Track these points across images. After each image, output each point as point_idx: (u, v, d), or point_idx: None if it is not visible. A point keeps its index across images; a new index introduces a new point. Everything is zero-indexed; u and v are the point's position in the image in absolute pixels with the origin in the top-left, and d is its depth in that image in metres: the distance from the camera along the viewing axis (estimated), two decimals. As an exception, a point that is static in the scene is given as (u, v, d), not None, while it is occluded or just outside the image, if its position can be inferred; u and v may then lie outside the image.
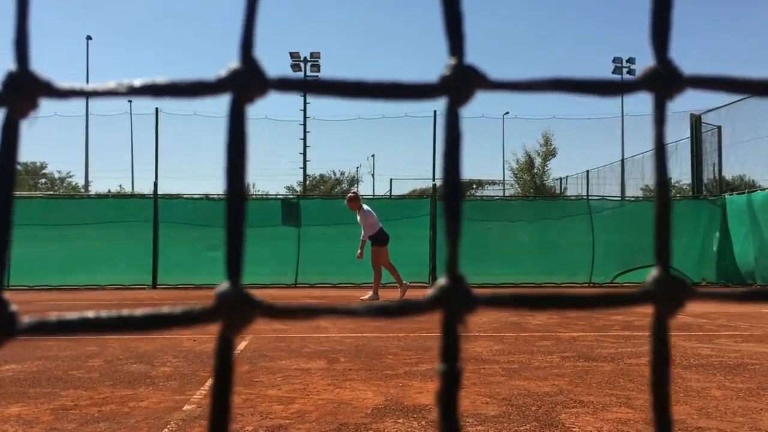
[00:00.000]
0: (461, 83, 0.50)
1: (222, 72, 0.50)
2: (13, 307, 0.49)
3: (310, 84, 0.53)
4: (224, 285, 0.49)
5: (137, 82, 0.52)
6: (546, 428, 3.63)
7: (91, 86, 0.52)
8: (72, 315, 0.53)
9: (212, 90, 0.51)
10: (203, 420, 3.76)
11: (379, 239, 12.52)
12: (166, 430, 3.59)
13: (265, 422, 3.75)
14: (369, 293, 12.28)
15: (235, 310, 0.48)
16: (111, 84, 0.52)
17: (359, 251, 12.52)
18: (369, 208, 12.79)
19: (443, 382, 0.49)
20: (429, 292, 0.50)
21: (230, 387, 0.52)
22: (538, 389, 4.53)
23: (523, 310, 0.51)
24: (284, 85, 0.51)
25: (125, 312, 0.51)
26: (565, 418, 3.82)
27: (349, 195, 12.90)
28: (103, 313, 0.51)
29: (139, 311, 0.52)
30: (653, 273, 0.55)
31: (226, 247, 0.52)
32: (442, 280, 0.51)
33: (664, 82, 0.53)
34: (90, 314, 0.52)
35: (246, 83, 0.50)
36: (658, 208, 0.56)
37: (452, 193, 0.52)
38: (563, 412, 3.96)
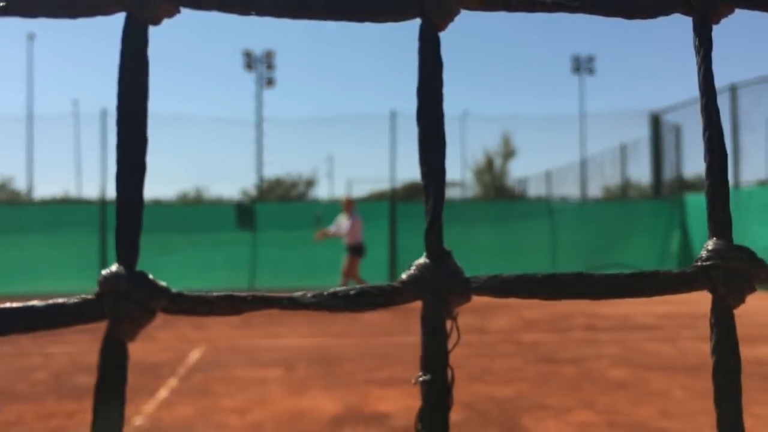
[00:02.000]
0: None
1: None
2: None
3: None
4: (113, 267, 0.35)
5: None
6: (509, 434, 3.54)
7: None
8: None
9: (100, 5, 0.37)
10: (152, 434, 3.59)
11: (359, 249, 12.57)
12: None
13: (219, 435, 3.59)
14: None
15: (128, 301, 0.34)
16: None
17: (320, 234, 12.51)
18: (359, 217, 12.93)
19: (426, 397, 0.34)
20: (404, 273, 0.35)
21: (121, 406, 0.37)
22: (500, 394, 4.44)
23: (531, 296, 0.38)
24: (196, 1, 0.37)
25: None
26: (528, 422, 3.74)
27: (348, 198, 13.11)
28: None
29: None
30: (709, 244, 0.38)
31: (117, 217, 0.37)
32: (422, 259, 0.36)
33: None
34: None
35: None
36: (709, 152, 0.42)
37: (432, 133, 0.37)
38: (526, 416, 3.87)
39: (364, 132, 30.20)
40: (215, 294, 0.37)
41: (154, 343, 7.11)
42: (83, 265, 15.95)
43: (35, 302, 0.34)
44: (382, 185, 22.75)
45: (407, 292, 0.36)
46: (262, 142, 31.04)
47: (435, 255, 0.35)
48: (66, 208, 17.82)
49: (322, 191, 47.78)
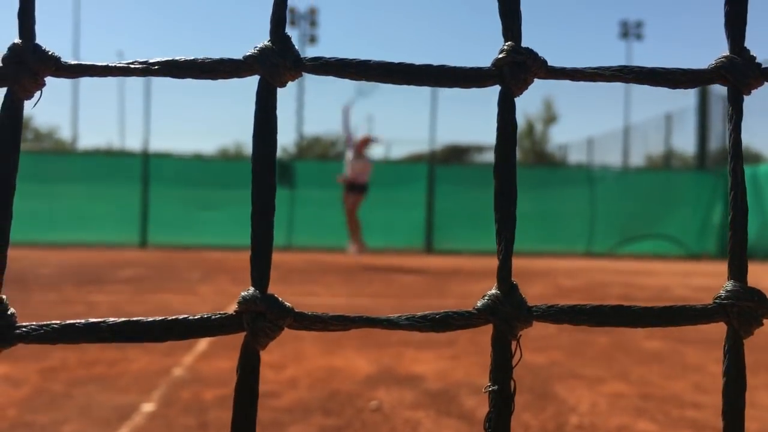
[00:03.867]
0: (517, 69, 0.44)
1: (250, 50, 0.44)
2: (11, 311, 0.45)
3: (348, 65, 0.46)
4: (250, 290, 0.45)
5: (154, 60, 0.46)
6: (540, 400, 3.56)
7: (103, 63, 0.47)
8: (78, 322, 0.48)
9: (237, 70, 0.45)
10: (192, 384, 3.69)
11: (363, 188, 12.41)
12: (155, 393, 3.52)
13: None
14: (353, 247, 12.18)
15: (263, 319, 0.44)
16: (125, 62, 0.47)
17: (341, 178, 12.48)
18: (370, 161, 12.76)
19: (493, 404, 0.43)
20: (479, 302, 0.43)
21: (254, 411, 0.46)
22: (534, 361, 4.45)
23: (581, 323, 0.45)
24: (320, 66, 0.45)
25: (137, 319, 0.45)
26: (561, 390, 3.75)
27: (366, 136, 12.77)
28: (110, 320, 0.46)
29: (151, 318, 0.46)
30: (727, 285, 0.47)
31: (252, 251, 0.48)
32: (493, 290, 0.45)
33: (740, 72, 0.47)
34: (97, 321, 0.46)
35: (276, 63, 0.43)
36: (734, 213, 0.49)
37: (506, 188, 0.46)
38: (558, 384, 3.89)
39: (404, 93, 29.99)
40: (329, 315, 0.46)
41: (195, 296, 7.27)
42: (125, 217, 16.26)
43: (189, 316, 0.45)
44: (421, 147, 22.67)
45: (481, 317, 0.45)
46: (302, 99, 30.99)
47: (504, 288, 0.45)
48: (109, 159, 18.08)
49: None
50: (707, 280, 10.90)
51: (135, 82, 19.79)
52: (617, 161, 22.88)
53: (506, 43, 0.44)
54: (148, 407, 3.26)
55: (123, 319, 0.43)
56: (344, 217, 12.45)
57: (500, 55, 0.44)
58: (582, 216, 16.75)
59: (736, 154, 0.48)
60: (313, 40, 33.21)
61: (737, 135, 0.48)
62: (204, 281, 8.81)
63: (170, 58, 0.45)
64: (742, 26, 0.48)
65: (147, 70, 0.45)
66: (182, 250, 15.02)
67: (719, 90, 17.98)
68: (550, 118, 38.24)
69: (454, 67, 0.46)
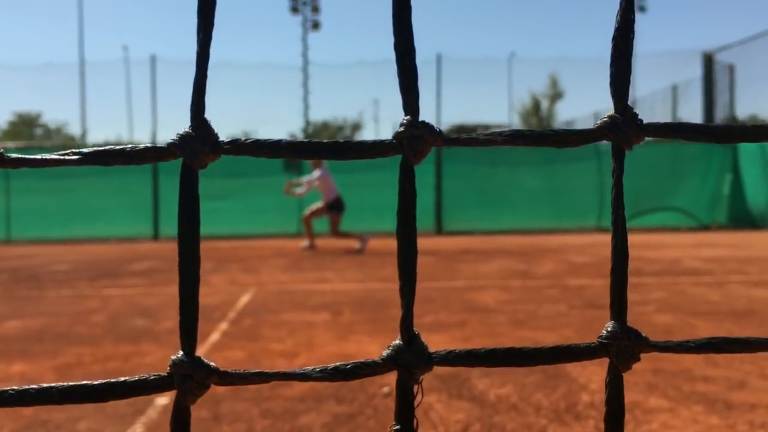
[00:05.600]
0: (415, 141, 0.49)
1: (172, 137, 0.49)
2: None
3: (262, 146, 0.52)
4: (179, 354, 0.49)
5: (87, 150, 0.53)
6: (552, 379, 3.58)
7: (41, 156, 0.54)
8: (32, 388, 0.53)
9: (162, 156, 0.50)
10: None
11: (336, 205, 12.15)
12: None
13: (269, 378, 3.71)
14: (356, 246, 12.14)
15: (191, 380, 0.47)
16: (60, 154, 0.54)
17: (288, 185, 12.49)
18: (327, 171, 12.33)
19: None
20: (384, 352, 0.49)
21: None
22: (545, 339, 4.47)
23: (479, 366, 0.51)
24: (236, 148, 0.51)
25: (82, 384, 0.50)
26: (572, 369, 3.76)
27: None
28: (58, 385, 0.51)
29: (96, 382, 0.52)
30: (608, 326, 0.53)
31: (180, 315, 0.52)
32: (396, 341, 0.49)
33: (622, 131, 0.53)
34: (47, 387, 0.51)
35: (195, 150, 0.49)
36: (615, 260, 0.54)
37: (406, 247, 0.52)
38: (570, 363, 3.90)
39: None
40: (250, 372, 0.50)
41: (207, 287, 7.31)
42: (138, 209, 16.32)
43: (127, 378, 0.50)
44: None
45: (386, 366, 0.50)
46: (308, 85, 30.93)
47: (406, 339, 0.50)
48: (118, 153, 18.09)
49: (368, 134, 47.63)
50: (718, 250, 10.87)
51: (142, 75, 19.79)
52: (625, 135, 22.76)
53: (405, 117, 0.49)
54: (162, 401, 3.30)
55: (70, 383, 0.49)
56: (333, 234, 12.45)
57: (400, 129, 0.49)
58: (591, 191, 16.70)
59: (618, 206, 0.55)
60: (316, 26, 33.05)
61: (619, 189, 0.54)
62: (216, 271, 8.86)
63: (101, 148, 0.52)
64: (626, 86, 0.54)
65: (81, 160, 0.52)
66: (194, 240, 15.03)
67: (725, 59, 17.83)
68: (556, 95, 38.04)
69: (361, 142, 0.51)
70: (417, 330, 0.51)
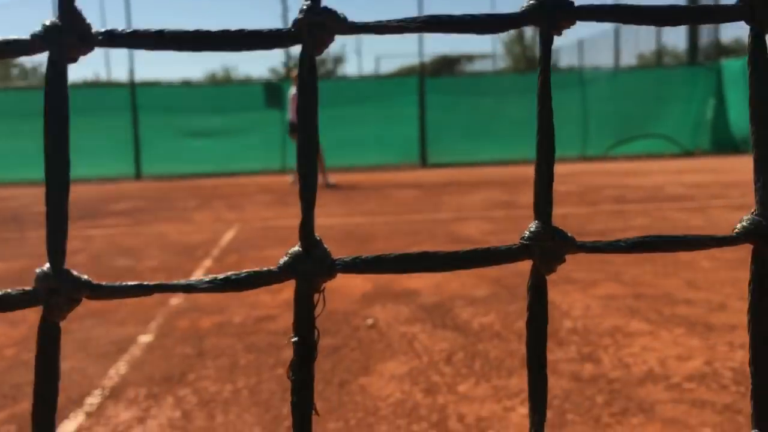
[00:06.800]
0: (316, 29, 0.44)
1: (37, 29, 0.44)
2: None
3: (141, 36, 0.46)
4: (45, 267, 0.44)
5: None
6: (536, 308, 3.60)
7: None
8: None
9: (25, 49, 0.44)
10: (190, 313, 3.72)
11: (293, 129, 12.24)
12: (152, 324, 3.55)
13: (253, 313, 3.71)
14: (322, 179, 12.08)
15: (57, 295, 0.43)
16: None
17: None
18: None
19: (296, 353, 0.45)
20: (281, 260, 0.45)
21: (55, 384, 0.45)
22: (527, 268, 4.49)
23: (390, 272, 0.47)
24: (111, 40, 0.45)
25: None
26: (555, 296, 3.79)
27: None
28: None
29: None
30: (531, 226, 0.49)
31: (47, 225, 0.47)
32: (296, 248, 0.45)
33: (550, 13, 0.47)
34: None
35: (64, 40, 0.43)
36: (539, 156, 0.49)
37: (305, 146, 0.45)
38: (552, 290, 3.91)
39: (391, 5, 29.30)
40: (127, 284, 0.46)
41: (191, 224, 7.27)
42: (118, 150, 16.11)
43: None
44: (411, 60, 22.29)
45: (283, 275, 0.46)
46: (287, 17, 30.20)
47: (306, 244, 0.45)
48: (96, 91, 17.76)
49: (350, 68, 46.99)
50: (701, 176, 10.91)
51: (116, 6, 19.28)
52: (609, 62, 22.54)
53: (305, 2, 0.45)
54: (145, 338, 3.29)
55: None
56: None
57: (299, 16, 0.44)
58: (575, 120, 16.61)
59: (544, 95, 0.49)
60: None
61: (546, 76, 0.49)
62: (200, 209, 8.80)
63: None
64: None
65: None
66: (177, 179, 14.95)
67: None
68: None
69: (256, 30, 0.46)
70: (319, 236, 0.47)
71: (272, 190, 11.36)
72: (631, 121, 16.13)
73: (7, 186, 14.33)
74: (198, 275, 4.63)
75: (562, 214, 7.12)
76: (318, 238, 0.46)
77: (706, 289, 3.85)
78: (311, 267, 0.46)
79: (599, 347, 2.97)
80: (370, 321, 3.45)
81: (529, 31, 38.54)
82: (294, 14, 0.46)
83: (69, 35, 0.43)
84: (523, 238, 0.49)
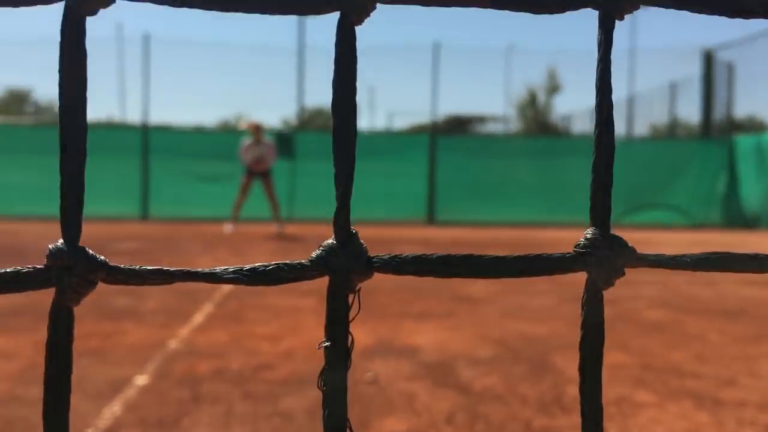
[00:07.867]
0: None
1: None
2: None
3: None
4: (59, 242, 0.40)
5: None
6: (538, 370, 3.53)
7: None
8: None
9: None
10: (187, 357, 3.66)
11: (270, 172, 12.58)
12: (149, 365, 3.49)
13: (252, 360, 3.64)
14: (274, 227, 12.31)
15: (70, 274, 0.39)
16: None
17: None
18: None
19: (328, 360, 0.40)
20: (314, 252, 0.40)
21: (68, 370, 0.41)
22: (533, 331, 4.42)
23: (427, 274, 0.42)
24: None
25: None
26: (559, 361, 3.72)
27: (257, 123, 12.68)
28: None
29: None
30: (587, 233, 0.43)
31: (61, 196, 0.43)
32: (330, 240, 0.40)
33: None
34: None
35: None
36: (597, 154, 0.45)
37: (343, 126, 0.41)
38: (557, 355, 3.85)
39: (406, 63, 29.70)
40: (148, 268, 0.42)
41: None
42: (126, 190, 16.19)
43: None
44: (423, 118, 22.50)
45: (315, 270, 0.40)
46: (303, 70, 30.69)
47: (341, 237, 0.40)
48: (109, 132, 17.93)
49: (363, 122, 47.42)
50: (711, 249, 10.79)
51: (134, 53, 19.57)
52: (621, 131, 22.71)
53: None
54: (141, 380, 3.23)
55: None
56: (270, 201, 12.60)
57: None
58: (586, 186, 16.55)
59: (604, 88, 0.43)
60: (313, 10, 32.85)
61: (606, 65, 0.43)
62: (204, 253, 8.77)
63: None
64: None
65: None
66: (184, 222, 14.97)
67: (724, 57, 17.76)
68: (554, 88, 37.86)
69: None
70: (354, 229, 0.41)
71: (277, 239, 11.35)
72: (642, 190, 16.14)
73: (12, 221, 14.37)
74: (198, 319, 4.58)
75: (570, 280, 7.02)
76: (354, 231, 0.41)
77: (714, 362, 3.77)
78: (347, 262, 0.41)
79: (605, 416, 2.89)
80: (370, 375, 3.38)
81: (542, 95, 38.95)
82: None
83: None
84: (577, 246, 0.44)
